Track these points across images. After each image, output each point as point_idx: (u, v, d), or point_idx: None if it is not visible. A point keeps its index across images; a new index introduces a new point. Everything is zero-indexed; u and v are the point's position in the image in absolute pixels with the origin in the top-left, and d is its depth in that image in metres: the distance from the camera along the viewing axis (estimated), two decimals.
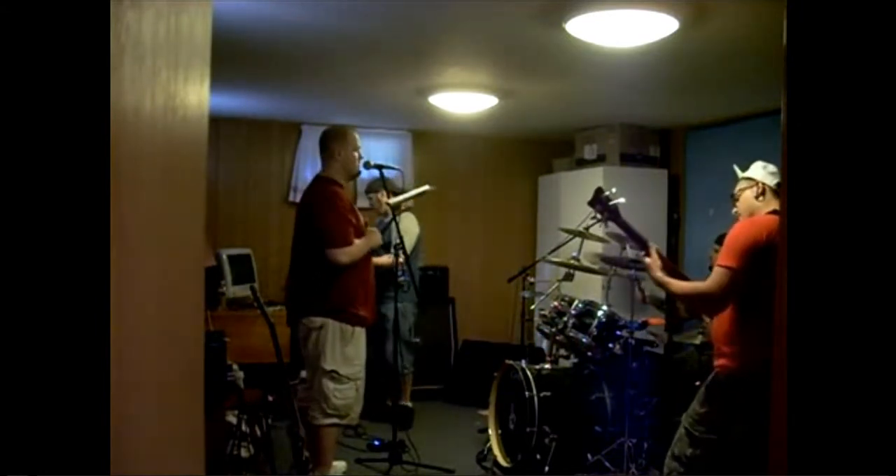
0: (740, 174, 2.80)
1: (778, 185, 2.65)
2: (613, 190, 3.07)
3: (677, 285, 2.72)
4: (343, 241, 3.40)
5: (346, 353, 3.45)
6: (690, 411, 2.71)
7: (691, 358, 4.10)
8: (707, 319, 3.65)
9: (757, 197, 2.70)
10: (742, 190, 2.76)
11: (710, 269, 4.11)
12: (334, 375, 3.42)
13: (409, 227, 4.82)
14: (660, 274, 2.75)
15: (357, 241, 3.46)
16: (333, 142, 3.58)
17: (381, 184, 4.30)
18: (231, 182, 5.74)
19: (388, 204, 4.02)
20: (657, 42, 3.12)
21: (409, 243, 4.41)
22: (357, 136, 3.65)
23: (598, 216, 3.13)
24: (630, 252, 4.20)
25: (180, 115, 1.16)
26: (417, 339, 5.23)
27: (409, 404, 4.92)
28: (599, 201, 3.01)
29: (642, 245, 2.93)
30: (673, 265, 2.84)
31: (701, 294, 2.60)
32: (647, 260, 2.80)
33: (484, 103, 4.60)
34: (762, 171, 2.73)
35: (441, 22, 3.11)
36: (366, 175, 4.10)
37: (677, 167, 5.77)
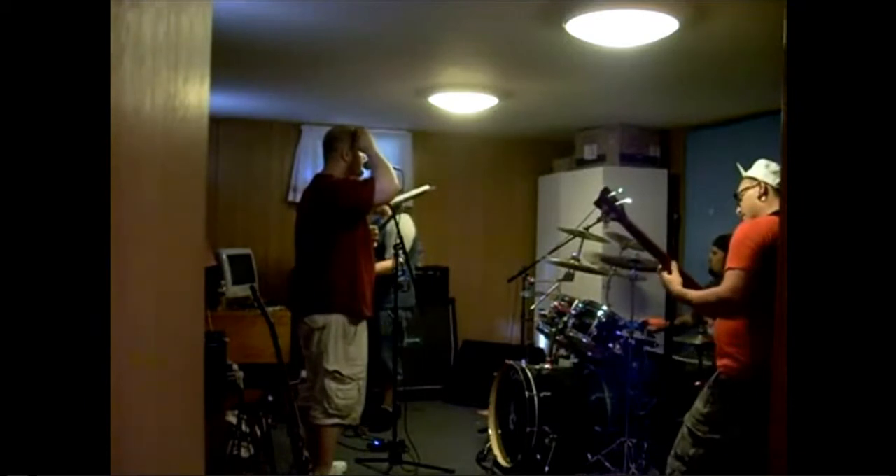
0: (744, 173, 2.78)
1: (780, 184, 2.65)
2: (620, 190, 3.06)
3: (695, 295, 2.70)
4: (370, 192, 3.43)
5: (348, 353, 3.45)
6: (693, 411, 2.71)
7: (691, 358, 4.10)
8: (710, 320, 3.64)
9: (759, 197, 2.68)
10: (745, 189, 2.74)
11: (710, 271, 4.15)
12: (337, 376, 3.42)
13: (407, 227, 4.81)
14: (678, 288, 2.72)
15: (375, 185, 3.44)
16: (340, 142, 3.59)
17: None
18: (231, 182, 5.73)
19: (388, 204, 4.02)
20: (657, 42, 3.12)
21: (407, 244, 4.40)
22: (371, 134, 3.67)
23: (604, 216, 3.11)
24: (630, 252, 4.21)
25: (180, 115, 1.16)
26: (417, 339, 5.22)
27: (390, 408, 4.89)
28: (605, 201, 3.00)
29: (655, 253, 2.93)
30: (688, 274, 2.83)
31: (720, 299, 2.56)
32: (667, 276, 2.77)
33: (484, 103, 4.60)
34: (764, 170, 2.71)
35: (441, 22, 3.11)
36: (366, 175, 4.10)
37: (677, 167, 5.77)
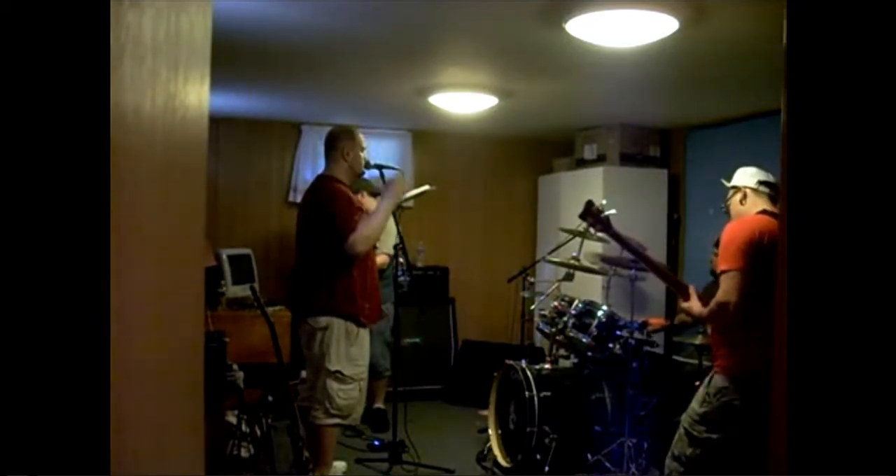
0: (727, 184, 2.86)
1: (759, 183, 2.73)
2: (604, 201, 3.10)
3: (706, 311, 2.72)
4: (353, 227, 3.37)
5: (350, 353, 3.45)
6: (690, 411, 2.72)
7: (691, 358, 4.10)
8: None
9: (740, 201, 2.77)
10: (729, 198, 2.83)
11: (712, 273, 4.16)
12: (339, 376, 3.42)
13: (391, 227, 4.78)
14: (699, 310, 2.75)
15: (361, 226, 3.38)
16: (342, 141, 3.58)
17: (362, 184, 4.34)
18: (231, 182, 5.73)
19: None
20: (657, 42, 3.12)
21: (391, 244, 4.39)
22: (362, 136, 3.66)
23: (591, 228, 3.17)
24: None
25: (180, 115, 1.16)
26: (417, 339, 5.21)
27: (383, 406, 4.90)
28: (590, 213, 3.03)
29: (651, 265, 3.01)
30: (698, 291, 2.85)
31: (720, 304, 2.58)
32: (685, 304, 2.80)
33: (484, 103, 4.60)
34: (742, 177, 2.83)
35: (441, 22, 3.11)
36: (366, 175, 4.11)
37: (677, 167, 5.77)
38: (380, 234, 3.54)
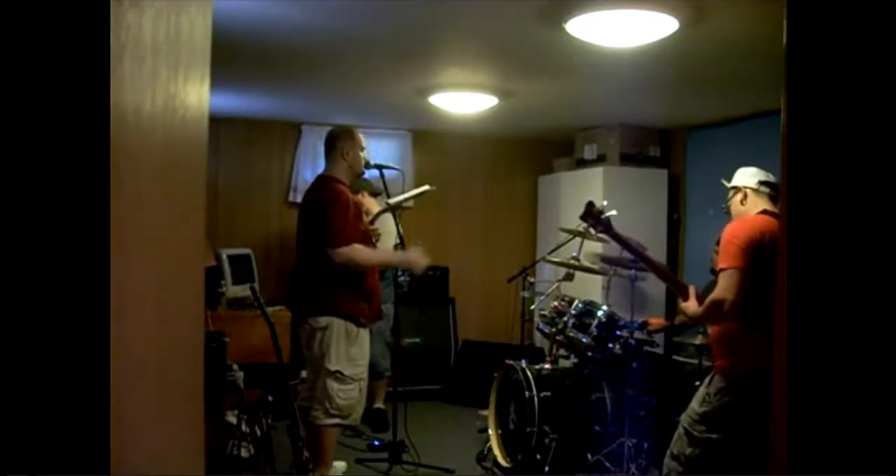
0: (727, 184, 2.86)
1: (760, 183, 2.73)
2: (605, 202, 3.10)
3: (699, 309, 2.71)
4: (341, 243, 3.39)
5: (350, 353, 3.45)
6: (689, 411, 2.72)
7: (691, 358, 4.10)
8: None
9: (741, 201, 2.77)
10: (730, 199, 2.83)
11: (712, 271, 4.16)
12: (339, 376, 3.42)
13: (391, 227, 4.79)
14: (693, 310, 2.74)
15: (357, 247, 3.43)
16: (342, 141, 3.58)
17: (362, 184, 4.34)
18: (231, 182, 5.73)
19: (387, 203, 4.02)
20: (657, 42, 3.12)
21: (391, 244, 4.39)
22: (362, 136, 3.66)
23: (592, 230, 3.17)
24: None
25: (180, 115, 1.16)
26: (417, 339, 5.21)
27: (383, 406, 4.90)
28: (591, 215, 3.03)
29: (651, 266, 3.00)
30: (698, 291, 2.85)
31: (717, 303, 2.56)
32: (683, 304, 2.79)
33: (484, 103, 4.60)
34: (742, 177, 2.83)
35: (441, 22, 3.11)
36: (366, 175, 4.11)
37: (677, 167, 5.77)
38: (367, 267, 3.55)
